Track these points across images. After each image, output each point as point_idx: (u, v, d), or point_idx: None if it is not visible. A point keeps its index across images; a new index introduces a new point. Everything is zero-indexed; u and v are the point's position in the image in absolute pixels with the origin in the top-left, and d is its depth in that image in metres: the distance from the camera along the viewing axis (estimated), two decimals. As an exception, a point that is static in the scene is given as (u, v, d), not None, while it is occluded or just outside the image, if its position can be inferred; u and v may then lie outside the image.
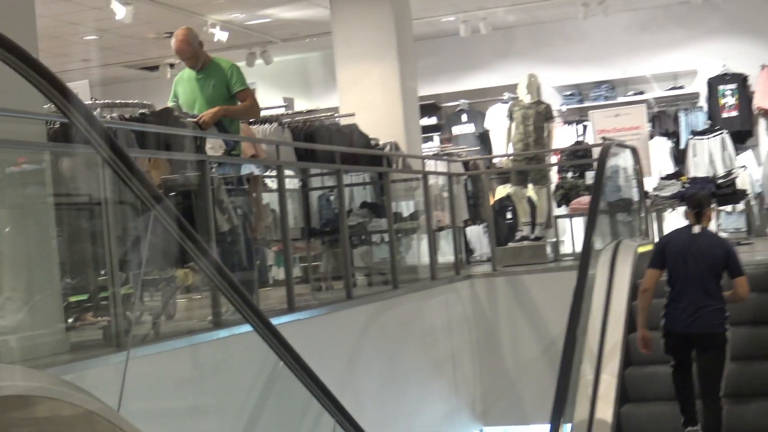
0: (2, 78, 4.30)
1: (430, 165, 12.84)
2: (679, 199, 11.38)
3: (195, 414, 5.75)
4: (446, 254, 11.15)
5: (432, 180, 11.39)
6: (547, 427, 7.33)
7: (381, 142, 11.32)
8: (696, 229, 7.69)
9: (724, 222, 14.02)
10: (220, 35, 14.80)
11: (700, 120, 15.94)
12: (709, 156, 14.67)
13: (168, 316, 6.67)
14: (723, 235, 10.60)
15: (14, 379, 3.05)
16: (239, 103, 8.10)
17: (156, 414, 4.87)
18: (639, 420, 8.19)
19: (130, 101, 9.54)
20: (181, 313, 6.88)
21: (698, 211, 7.80)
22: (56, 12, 12.70)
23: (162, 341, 5.89)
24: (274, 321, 5.86)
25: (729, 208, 14.21)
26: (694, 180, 14.03)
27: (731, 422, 7.61)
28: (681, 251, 7.55)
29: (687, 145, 15.46)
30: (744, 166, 14.82)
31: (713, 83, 15.98)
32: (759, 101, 15.73)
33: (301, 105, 15.38)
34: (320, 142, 9.97)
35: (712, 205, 8.05)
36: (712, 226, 11.26)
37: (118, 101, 9.64)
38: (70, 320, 5.90)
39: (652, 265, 7.78)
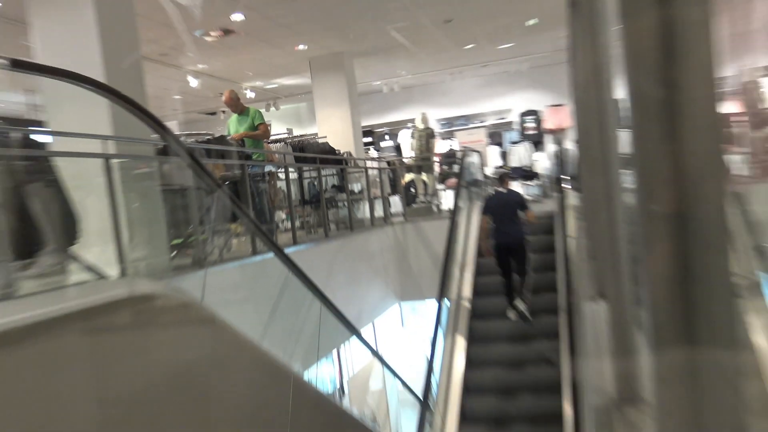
0: (131, 121, 4.35)
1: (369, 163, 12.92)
2: (496, 176, 11.66)
3: (243, 303, 5.80)
4: (379, 212, 11.24)
5: (370, 172, 11.47)
6: (434, 300, 7.47)
7: (342, 151, 11.38)
8: (503, 189, 7.99)
9: (529, 191, 14.23)
10: (250, 94, 14.76)
11: (514, 136, 16.07)
12: (519, 156, 14.83)
13: (227, 250, 6.72)
14: (527, 197, 10.76)
15: (143, 285, 3.13)
16: (260, 129, 8.20)
17: (221, 303, 4.96)
18: (483, 306, 8.20)
19: (201, 132, 9.54)
20: (234, 248, 6.92)
21: (501, 180, 8.24)
22: (156, 82, 12.59)
23: (224, 263, 5.97)
24: (286, 250, 5.93)
25: (531, 182, 14.44)
26: (513, 169, 14.27)
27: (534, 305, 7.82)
28: (497, 203, 7.75)
29: (508, 149, 15.59)
30: (538, 161, 15.04)
31: (522, 115, 16.07)
32: (546, 125, 15.92)
33: (296, 132, 15.39)
34: (308, 152, 10.02)
35: (508, 179, 8.30)
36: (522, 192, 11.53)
37: (194, 132, 9.64)
38: (173, 254, 5.95)
39: (484, 213, 7.93)
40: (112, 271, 4.29)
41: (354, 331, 6.97)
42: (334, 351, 9.44)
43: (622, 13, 0.78)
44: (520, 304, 7.69)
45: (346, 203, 10.08)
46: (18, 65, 3.15)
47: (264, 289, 6.10)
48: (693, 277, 0.76)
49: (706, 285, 0.77)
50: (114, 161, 4.63)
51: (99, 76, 5.58)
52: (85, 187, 5.20)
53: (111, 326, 2.72)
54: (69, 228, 4.65)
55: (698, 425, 0.79)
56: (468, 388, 7.10)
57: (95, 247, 4.73)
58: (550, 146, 12.75)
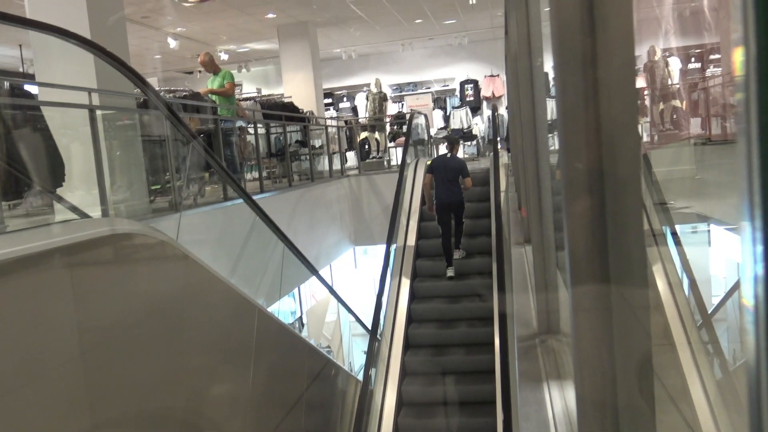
0: (114, 76, 4.21)
1: (329, 122, 12.83)
2: (445, 140, 11.62)
3: (214, 243, 5.75)
4: (337, 165, 11.20)
5: (330, 129, 11.41)
6: (384, 246, 7.51)
7: (305, 110, 11.25)
8: (449, 155, 7.72)
9: (467, 150, 14.26)
10: (224, 56, 14.39)
11: (456, 101, 16.06)
12: (459, 119, 14.80)
13: (201, 195, 6.63)
14: (465, 156, 10.83)
15: (123, 225, 3.07)
16: (226, 88, 8.00)
17: (195, 243, 4.91)
18: (427, 247, 8.22)
19: (179, 88, 9.26)
20: (208, 194, 6.82)
21: (452, 146, 7.82)
22: (139, 42, 12.18)
23: (198, 207, 5.88)
24: (253, 197, 5.88)
25: (469, 143, 14.48)
26: (453, 130, 14.26)
27: (470, 230, 7.87)
28: (441, 166, 7.54)
29: (450, 113, 15.55)
30: (476, 124, 15.08)
31: (462, 84, 16.01)
32: (483, 93, 15.94)
33: (264, 92, 15.13)
34: (273, 110, 9.88)
35: (458, 145, 8.14)
36: (460, 153, 11.57)
37: (172, 88, 9.35)
38: (151, 198, 5.84)
39: (428, 173, 7.77)
40: (95, 212, 4.20)
41: (313, 270, 6.98)
42: (296, 288, 9.45)
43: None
44: (457, 253, 7.73)
45: (307, 157, 10.00)
46: (7, 18, 2.98)
47: (234, 231, 6.07)
48: (607, 223, 0.77)
49: (620, 230, 0.78)
50: (98, 112, 4.49)
51: (85, 32, 5.38)
52: (71, 135, 5.04)
53: (93, 261, 2.66)
54: (55, 172, 4.52)
55: (608, 350, 0.81)
56: (412, 319, 7.20)
57: (79, 191, 4.61)
58: (486, 111, 12.75)
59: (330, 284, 8.68)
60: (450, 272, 7.58)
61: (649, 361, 0.81)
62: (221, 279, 3.78)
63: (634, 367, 0.80)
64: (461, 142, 12.11)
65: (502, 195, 7.05)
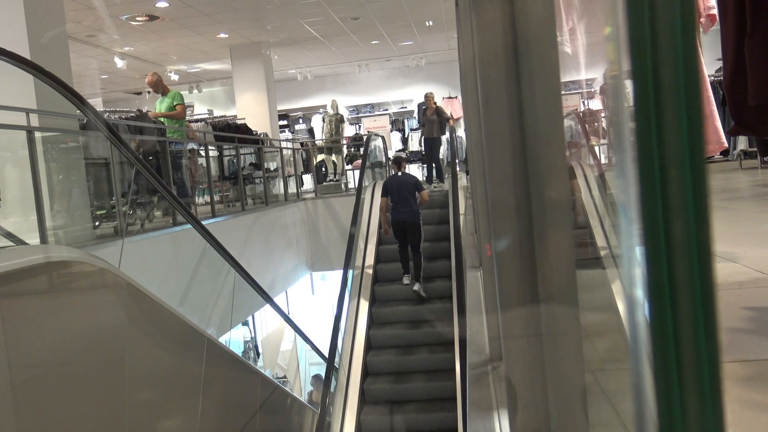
0: (56, 99, 4.14)
1: (284, 144, 12.81)
2: (393, 161, 11.75)
3: (162, 270, 5.65)
4: (292, 188, 11.16)
5: (285, 151, 11.39)
6: (341, 271, 7.48)
7: (259, 132, 11.21)
8: (399, 173, 7.73)
9: (425, 172, 14.33)
10: (174, 76, 14.28)
11: (414, 123, 16.20)
12: (418, 141, 14.90)
13: (149, 220, 6.51)
14: (423, 178, 10.97)
15: (61, 252, 3.00)
16: (177, 110, 7.91)
17: (140, 270, 4.81)
18: (386, 271, 8.16)
19: (124, 109, 9.17)
20: (156, 219, 6.71)
21: (398, 165, 7.84)
22: (82, 62, 12.01)
23: (145, 233, 5.78)
24: (204, 222, 5.80)
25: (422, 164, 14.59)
26: (412, 152, 14.36)
27: (429, 253, 7.81)
28: (394, 185, 7.50)
29: (408, 135, 15.68)
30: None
31: (420, 106, 16.21)
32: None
33: (217, 113, 15.04)
34: (225, 132, 9.83)
35: (405, 163, 8.23)
36: (421, 175, 11.67)
37: (117, 109, 9.24)
38: (96, 223, 5.73)
39: (383, 195, 7.68)
40: (33, 238, 4.08)
41: (267, 298, 6.89)
42: (249, 317, 9.32)
43: (472, 7, 0.78)
44: (416, 286, 7.69)
45: (262, 180, 9.93)
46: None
47: (183, 258, 5.98)
48: (535, 247, 0.77)
49: (548, 253, 0.78)
50: (37, 134, 4.39)
51: (24, 51, 5.27)
52: (7, 158, 4.91)
53: (25, 291, 2.57)
54: (-12, 198, 4.39)
55: (541, 375, 0.81)
56: (371, 346, 7.16)
57: (15, 216, 4.48)
58: (445, 135, 12.91)
59: (286, 312, 8.58)
60: (406, 280, 7.59)
61: (583, 388, 0.81)
62: (167, 308, 3.70)
63: (566, 394, 0.80)
64: (419, 164, 12.23)
65: (462, 218, 7.11)
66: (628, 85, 0.36)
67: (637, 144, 0.34)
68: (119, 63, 12.30)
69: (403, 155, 9.66)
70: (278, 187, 10.66)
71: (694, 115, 0.33)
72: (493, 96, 0.78)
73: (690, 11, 0.34)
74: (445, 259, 7.79)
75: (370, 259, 8.23)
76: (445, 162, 11.85)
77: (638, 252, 0.34)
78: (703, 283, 0.32)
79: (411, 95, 16.64)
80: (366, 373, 6.84)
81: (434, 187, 8.15)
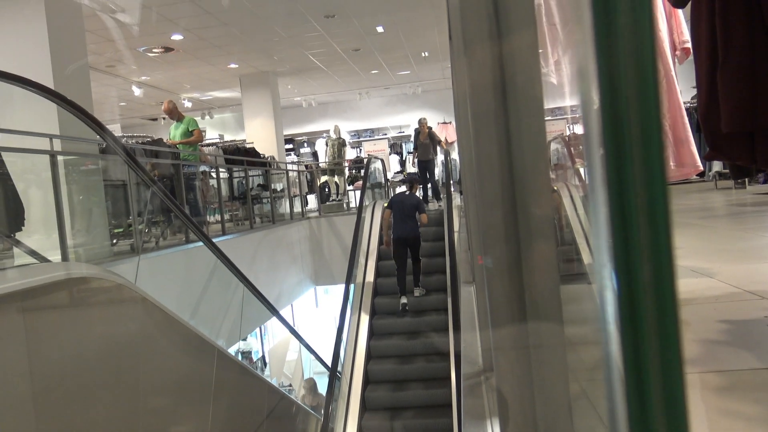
0: (77, 125, 4.17)
1: (290, 167, 12.85)
2: (402, 182, 11.70)
3: (176, 285, 5.65)
4: (297, 208, 11.18)
5: (291, 173, 11.43)
6: (343, 285, 7.45)
7: (266, 155, 11.25)
8: (407, 193, 7.80)
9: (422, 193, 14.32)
10: (188, 103, 14.39)
11: (411, 147, 16.29)
12: (416, 164, 15.02)
13: (164, 238, 6.51)
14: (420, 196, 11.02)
15: (81, 269, 3.00)
16: (194, 135, 7.93)
17: (155, 285, 4.81)
18: (385, 285, 8.13)
19: (141, 134, 9.21)
20: (170, 237, 6.72)
21: (411, 185, 7.94)
22: (102, 90, 12.09)
23: (160, 250, 5.78)
24: (215, 239, 5.81)
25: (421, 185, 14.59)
26: (410, 174, 14.38)
27: (426, 268, 7.76)
28: (399, 201, 7.54)
29: (405, 158, 15.74)
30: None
31: (416, 130, 16.26)
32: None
33: (227, 137, 15.10)
34: (235, 155, 9.86)
35: (417, 184, 8.27)
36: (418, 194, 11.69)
37: (134, 135, 9.29)
38: (114, 241, 5.73)
39: (388, 208, 7.67)
40: (55, 256, 4.09)
41: (274, 311, 6.88)
42: (257, 329, 9.29)
43: (464, 45, 0.80)
44: (417, 291, 7.68)
45: (269, 200, 9.94)
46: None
47: (195, 273, 5.97)
48: (522, 268, 0.78)
49: (534, 273, 0.79)
50: (59, 158, 4.41)
51: (48, 80, 5.33)
52: (32, 180, 4.93)
53: (47, 305, 2.57)
54: (14, 216, 4.40)
55: (529, 386, 0.81)
56: (371, 356, 7.13)
57: (38, 235, 4.49)
58: (440, 156, 12.90)
59: (291, 324, 8.55)
60: (404, 300, 7.57)
61: (569, 398, 0.83)
62: (180, 321, 3.70)
63: (554, 403, 0.81)
64: (418, 186, 12.25)
65: (456, 235, 7.11)
66: (596, 114, 0.37)
67: (605, 165, 0.35)
68: (137, 91, 12.38)
69: (417, 176, 9.69)
70: (284, 207, 10.68)
71: (656, 142, 0.35)
72: (483, 126, 0.80)
73: (651, 44, 0.36)
74: (441, 273, 7.78)
75: (371, 275, 8.21)
76: (440, 182, 11.90)
77: (608, 266, 0.35)
78: (666, 295, 0.33)
79: (408, 120, 16.69)
80: (367, 381, 6.80)
81: (431, 206, 8.24)
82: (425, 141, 11.19)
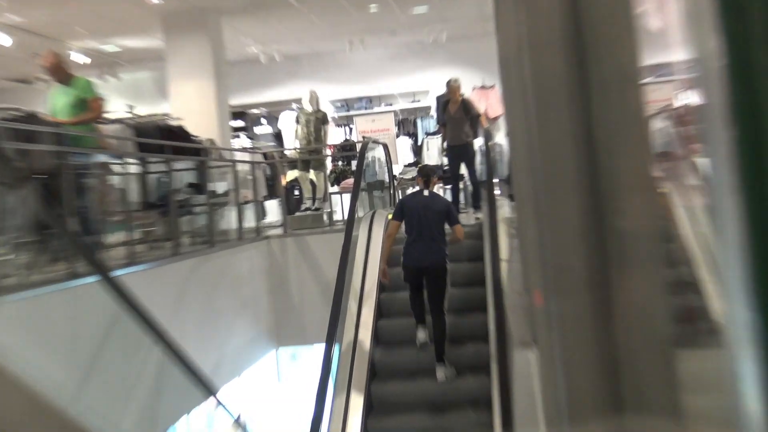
0: None
1: (238, 155, 12.89)
2: (418, 173, 11.71)
3: (51, 345, 5.59)
4: (250, 221, 11.19)
5: (240, 166, 11.45)
6: (323, 346, 7.42)
7: (202, 138, 11.29)
8: (426, 192, 7.86)
9: (448, 197, 14.29)
10: (81, 57, 14.51)
11: (431, 124, 16.35)
12: (437, 150, 15.00)
13: (33, 271, 6.47)
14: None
15: None
16: (90, 108, 7.89)
17: (15, 346, 4.73)
18: (389, 329, 8.25)
19: (4, 106, 9.22)
20: (44, 269, 6.67)
21: (427, 179, 7.95)
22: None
23: (25, 290, 5.71)
24: (118, 272, 5.77)
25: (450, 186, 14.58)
26: (426, 166, 14.47)
27: (453, 331, 7.76)
28: (415, 207, 7.67)
29: (422, 142, 15.76)
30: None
31: (440, 99, 16.32)
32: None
33: (141, 110, 15.14)
34: (154, 138, 9.85)
35: (436, 178, 8.31)
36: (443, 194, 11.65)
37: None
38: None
39: (395, 218, 7.87)
40: None
41: (210, 390, 6.84)
42: (183, 416, 9.21)
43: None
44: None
45: (205, 209, 9.96)
46: None
47: (83, 328, 5.94)
48: (616, 333, 0.79)
49: (632, 332, 0.92)
50: None
51: None
52: None
53: None
54: None
55: None
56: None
57: None
58: (478, 140, 12.88)
59: (237, 412, 8.50)
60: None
61: None
62: (55, 407, 3.64)
63: None
64: (439, 185, 12.18)
65: (504, 267, 7.04)
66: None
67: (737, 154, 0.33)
68: (2, 38, 12.47)
69: (433, 167, 9.72)
70: (229, 220, 10.67)
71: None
72: (548, 92, 0.80)
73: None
74: (478, 341, 7.71)
75: (367, 331, 8.21)
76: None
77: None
78: None
79: (426, 84, 16.87)
80: None
81: (464, 219, 8.30)
82: (457, 115, 11.15)
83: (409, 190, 12.52)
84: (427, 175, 8.07)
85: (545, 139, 1.00)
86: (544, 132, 0.99)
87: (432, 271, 7.52)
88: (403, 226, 7.86)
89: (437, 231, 7.60)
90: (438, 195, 8.04)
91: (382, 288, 8.63)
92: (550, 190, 1.00)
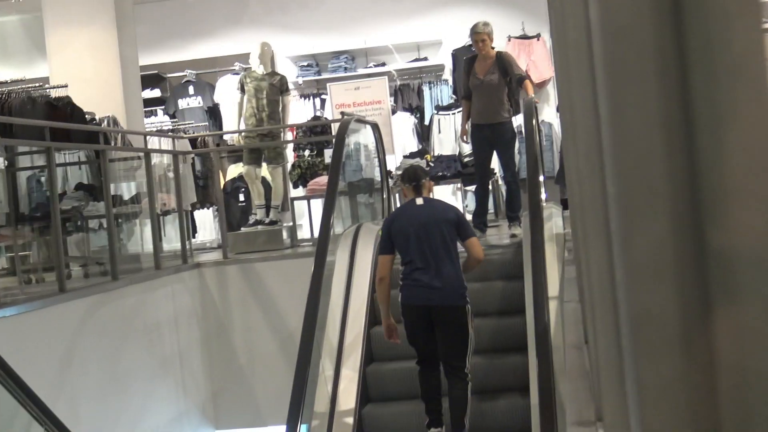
0: None
1: (154, 142, 12.76)
2: (404, 175, 11.59)
3: None
4: (172, 241, 11.13)
5: (156, 159, 11.40)
6: (284, 428, 7.39)
7: (97, 117, 11.24)
8: (419, 200, 7.76)
9: (471, 204, 14.24)
10: None
11: (445, 94, 16.19)
12: (454, 133, 14.93)
13: None
14: (468, 217, 10.74)
15: None
16: None
17: None
18: (382, 420, 8.19)
19: None
20: None
21: (416, 184, 7.85)
22: None
23: None
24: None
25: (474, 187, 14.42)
26: (439, 158, 14.35)
27: (479, 422, 7.70)
28: (407, 227, 7.59)
29: (431, 120, 15.68)
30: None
31: (458, 55, 16.15)
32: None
33: (6, 74, 15.10)
34: (27, 116, 9.83)
35: (428, 180, 8.04)
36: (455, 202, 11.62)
37: None
38: None
39: (383, 251, 7.81)
40: None
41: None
42: None
43: None
44: None
45: (104, 222, 9.93)
46: None
47: None
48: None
49: None
50: None
51: None
52: None
53: None
54: None
55: None
56: None
57: None
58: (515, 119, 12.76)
59: None
60: None
61: None
62: None
63: None
64: (458, 185, 12.18)
65: (553, 308, 7.06)
66: None
67: None
68: None
69: (423, 164, 9.62)
70: (140, 240, 10.64)
71: None
72: (629, 52, 0.80)
73: None
74: (513, 394, 7.76)
75: (349, 398, 8.22)
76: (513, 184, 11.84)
77: None
78: None
79: (437, 31, 16.83)
80: None
81: (492, 238, 8.19)
82: (489, 78, 11.00)
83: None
84: (414, 178, 7.97)
85: (622, 122, 0.94)
86: (621, 112, 0.94)
87: (444, 312, 7.47)
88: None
89: (445, 251, 7.48)
90: (437, 201, 7.85)
91: (369, 355, 8.61)
92: (627, 196, 0.93)
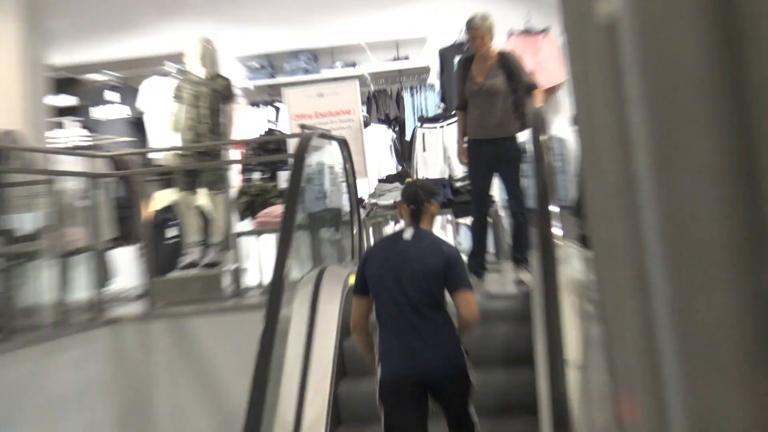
0: None
1: (63, 162, 12.76)
2: (402, 197, 11.43)
3: None
4: (81, 289, 11.05)
5: (64, 182, 11.33)
6: None
7: (-9, 131, 11.25)
8: (408, 233, 7.44)
9: (464, 240, 14.23)
10: None
11: (431, 102, 16.37)
12: (443, 150, 14.96)
13: None
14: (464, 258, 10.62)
15: None
16: None
17: None
18: None
19: None
20: None
21: (417, 208, 7.56)
22: None
23: None
24: None
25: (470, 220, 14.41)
26: (419, 182, 14.40)
27: None
28: (384, 268, 7.29)
29: (414, 135, 15.77)
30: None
31: (447, 55, 16.37)
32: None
33: None
34: None
35: (437, 205, 7.59)
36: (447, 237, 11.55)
37: None
38: None
39: (356, 291, 7.51)
40: None
41: None
42: None
43: None
44: None
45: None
46: None
47: None
48: None
49: None
50: None
51: None
52: None
53: None
54: None
55: None
56: None
57: None
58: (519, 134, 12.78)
59: None
60: None
61: None
62: None
63: None
64: (447, 215, 12.14)
65: (573, 380, 6.99)
66: None
67: None
68: None
69: (430, 188, 9.48)
70: (41, 288, 10.56)
71: None
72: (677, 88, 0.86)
73: None
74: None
75: None
76: (520, 216, 11.81)
77: None
78: None
79: (421, 25, 16.99)
80: None
81: (494, 283, 8.22)
82: (491, 83, 10.96)
83: (389, 228, 12.47)
84: (412, 200, 7.71)
85: (665, 140, 0.99)
86: (664, 129, 0.98)
87: (439, 384, 7.27)
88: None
89: (432, 304, 7.21)
90: (430, 235, 7.49)
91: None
92: (672, 232, 0.97)
